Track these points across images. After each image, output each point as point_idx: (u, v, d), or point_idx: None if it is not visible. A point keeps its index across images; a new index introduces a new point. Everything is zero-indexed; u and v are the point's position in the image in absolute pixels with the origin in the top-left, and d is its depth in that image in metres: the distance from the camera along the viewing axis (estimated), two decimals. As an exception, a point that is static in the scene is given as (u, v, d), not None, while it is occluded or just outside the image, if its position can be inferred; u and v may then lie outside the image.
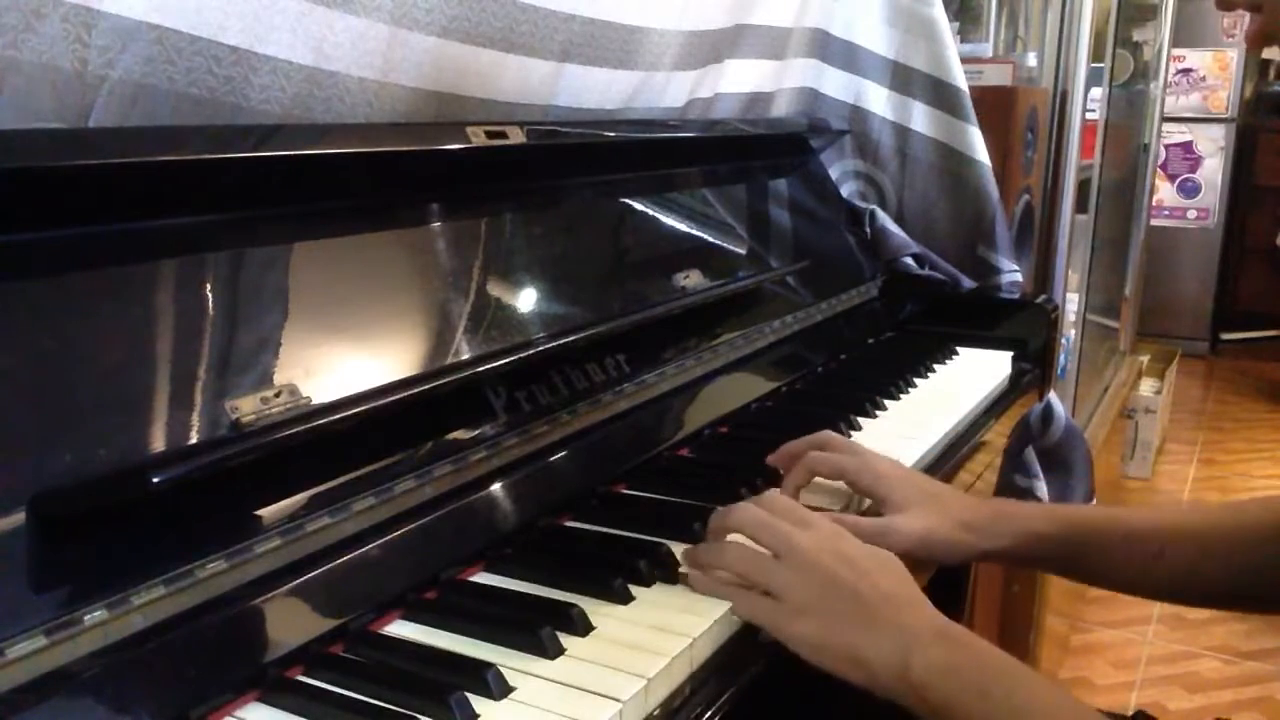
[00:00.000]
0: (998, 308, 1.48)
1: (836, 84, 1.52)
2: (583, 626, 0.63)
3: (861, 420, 1.05)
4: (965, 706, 0.59)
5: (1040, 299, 1.51)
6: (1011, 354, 1.34)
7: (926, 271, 1.46)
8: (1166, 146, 4.52)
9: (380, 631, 0.64)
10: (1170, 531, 0.80)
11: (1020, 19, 2.16)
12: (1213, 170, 4.66)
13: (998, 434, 1.23)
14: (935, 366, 1.27)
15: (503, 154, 0.86)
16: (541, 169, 0.97)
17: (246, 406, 0.62)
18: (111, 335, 0.59)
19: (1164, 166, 4.60)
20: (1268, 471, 3.39)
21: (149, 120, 0.69)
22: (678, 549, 0.73)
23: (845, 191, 1.53)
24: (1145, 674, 2.23)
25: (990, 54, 2.03)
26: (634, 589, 0.68)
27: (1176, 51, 4.13)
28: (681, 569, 0.71)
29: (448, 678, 0.57)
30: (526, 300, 0.89)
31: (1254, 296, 4.81)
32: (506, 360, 0.79)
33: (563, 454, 0.83)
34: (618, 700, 0.56)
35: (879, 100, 1.51)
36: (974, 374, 1.26)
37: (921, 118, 1.50)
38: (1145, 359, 3.30)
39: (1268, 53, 4.57)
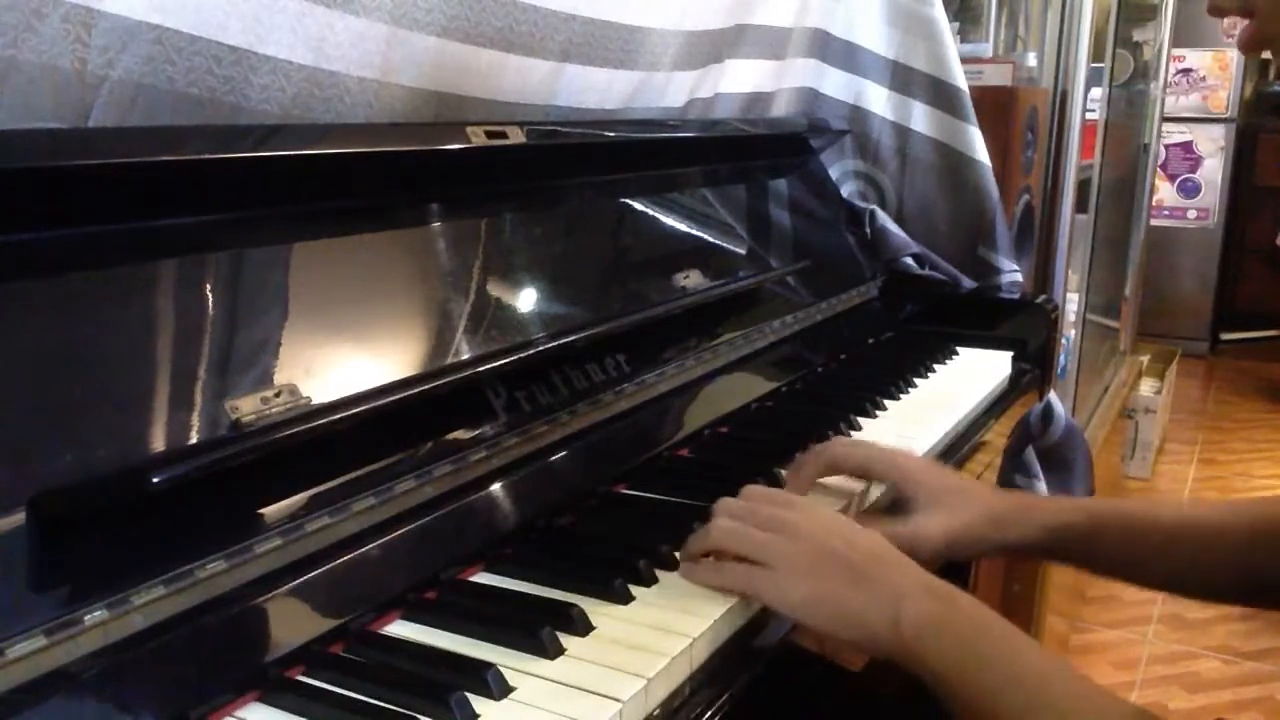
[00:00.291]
0: (998, 308, 1.48)
1: (836, 84, 1.52)
2: (583, 626, 0.63)
3: (861, 420, 1.05)
4: (957, 659, 0.61)
5: (1040, 299, 1.51)
6: (1011, 354, 1.34)
7: (926, 271, 1.46)
8: (1166, 146, 4.52)
9: (380, 631, 0.64)
10: (1197, 527, 0.80)
11: (1020, 19, 2.16)
12: (1213, 170, 4.66)
13: (998, 434, 1.23)
14: (935, 366, 1.27)
15: (503, 154, 0.86)
16: (541, 169, 0.97)
17: (246, 406, 0.62)
18: (111, 335, 0.59)
19: (1164, 166, 4.60)
20: (1268, 471, 3.39)
21: (149, 120, 0.69)
22: (678, 549, 0.73)
23: (845, 191, 1.53)
24: (1145, 674, 2.23)
25: (990, 54, 2.03)
26: (634, 589, 0.68)
27: (1176, 51, 4.13)
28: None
29: (448, 678, 0.57)
30: (526, 300, 0.89)
31: (1254, 296, 4.81)
32: (506, 360, 0.79)
33: (563, 454, 0.83)
34: (618, 700, 0.56)
35: (879, 100, 1.51)
36: (974, 374, 1.26)
37: (921, 118, 1.50)
38: (1145, 359, 3.30)
39: (1268, 53, 4.56)
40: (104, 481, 0.55)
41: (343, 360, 0.71)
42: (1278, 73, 4.82)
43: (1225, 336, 4.87)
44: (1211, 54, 4.52)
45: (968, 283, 1.48)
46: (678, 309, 1.00)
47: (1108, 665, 2.27)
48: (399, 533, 0.68)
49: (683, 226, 1.15)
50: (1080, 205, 2.11)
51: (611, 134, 1.06)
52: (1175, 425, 3.69)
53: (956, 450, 1.07)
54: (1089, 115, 2.01)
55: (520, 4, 0.95)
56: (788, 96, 1.48)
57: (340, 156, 0.74)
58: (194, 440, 0.60)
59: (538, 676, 0.58)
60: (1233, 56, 4.51)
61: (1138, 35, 2.90)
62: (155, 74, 0.68)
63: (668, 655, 0.60)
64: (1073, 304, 2.19)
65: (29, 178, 0.56)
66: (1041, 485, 1.50)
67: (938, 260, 1.47)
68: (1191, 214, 4.71)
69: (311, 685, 0.58)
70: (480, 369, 0.77)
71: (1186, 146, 4.67)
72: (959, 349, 1.35)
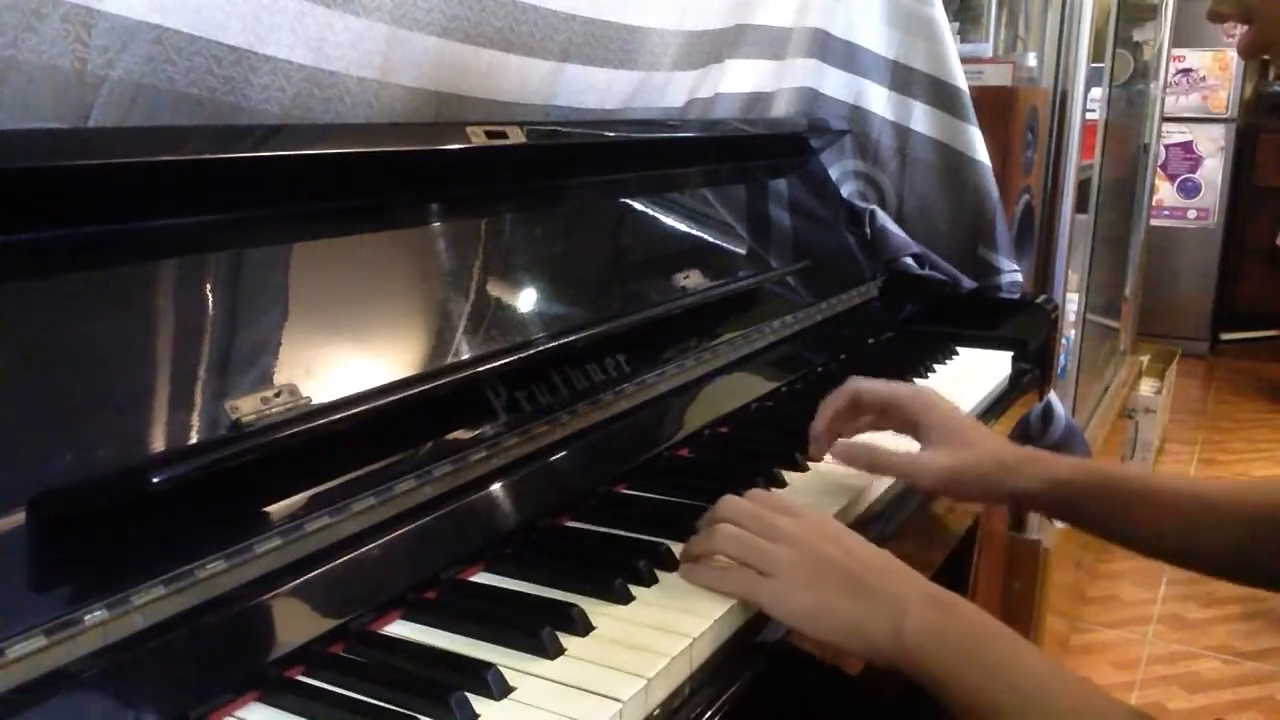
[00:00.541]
0: (998, 308, 1.48)
1: (836, 84, 1.52)
2: (583, 626, 0.63)
3: (861, 420, 1.05)
4: (959, 666, 0.61)
5: (1040, 299, 1.51)
6: (1011, 354, 1.34)
7: (926, 271, 1.46)
8: (1166, 146, 4.52)
9: (380, 631, 0.64)
10: (1197, 497, 0.81)
11: (1020, 19, 2.16)
12: (1213, 170, 4.66)
13: (998, 434, 1.23)
14: (935, 366, 1.27)
15: (503, 154, 0.86)
16: (541, 169, 0.97)
17: (246, 406, 0.62)
18: (111, 335, 0.59)
19: (1164, 166, 4.60)
20: (1268, 471, 3.39)
21: (149, 120, 0.69)
22: (678, 549, 0.73)
23: (845, 191, 1.53)
24: (1145, 674, 2.23)
25: (990, 54, 2.03)
26: (634, 589, 0.68)
27: (1176, 51, 4.13)
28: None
29: (448, 678, 0.57)
30: (526, 300, 0.89)
31: (1254, 296, 4.81)
32: (506, 360, 0.79)
33: (563, 454, 0.83)
34: (618, 700, 0.56)
35: (879, 100, 1.51)
36: (974, 374, 1.26)
37: (921, 118, 1.50)
38: (1145, 359, 3.30)
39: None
40: (104, 481, 0.55)
41: (343, 360, 0.71)
42: (1278, 73, 4.82)
43: (1225, 336, 4.87)
44: (1211, 54, 4.52)
45: (968, 283, 1.48)
46: (678, 309, 1.00)
47: (1108, 665, 2.27)
48: (399, 533, 0.68)
49: (683, 226, 1.15)
50: (1080, 205, 2.11)
51: (611, 134, 1.06)
52: (1175, 425, 3.69)
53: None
54: (1089, 115, 2.01)
55: (520, 4, 0.95)
56: (788, 96, 1.48)
57: (340, 156, 0.74)
58: (194, 440, 0.60)
59: (538, 676, 0.58)
60: (1233, 56, 4.51)
61: (1138, 35, 2.90)
62: (155, 74, 0.68)
63: (668, 655, 0.60)
64: (1073, 304, 2.19)
65: (29, 178, 0.56)
66: (1041, 485, 1.50)
67: (938, 260, 1.47)
68: (1191, 214, 4.71)
69: (311, 685, 0.58)
70: (480, 369, 0.77)
71: (1186, 146, 4.66)
72: (959, 349, 1.35)
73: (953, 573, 1.33)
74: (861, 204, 1.50)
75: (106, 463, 0.55)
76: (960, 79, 1.48)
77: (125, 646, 0.53)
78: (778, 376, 1.15)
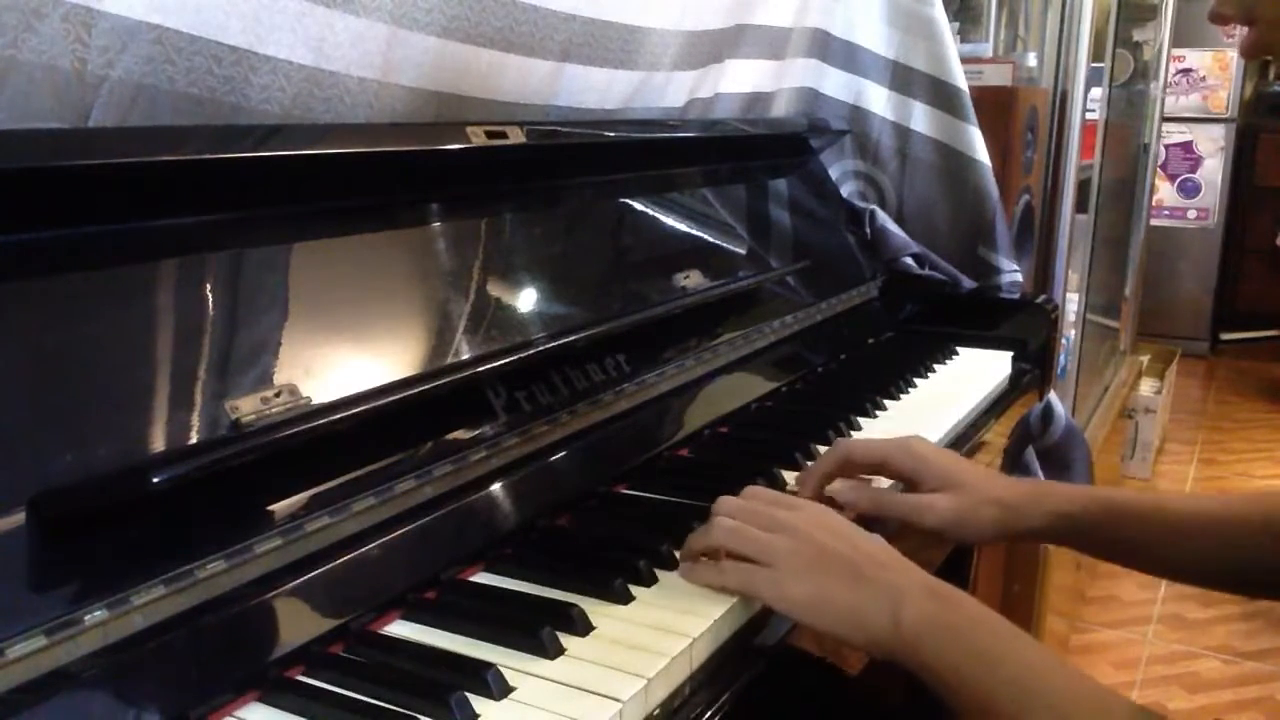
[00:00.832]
0: (998, 308, 1.48)
1: (836, 84, 1.52)
2: (583, 626, 0.63)
3: (861, 420, 1.05)
4: (957, 659, 0.61)
5: (1040, 299, 1.51)
6: (1011, 354, 1.34)
7: (926, 271, 1.46)
8: (1166, 146, 4.52)
9: (380, 631, 0.64)
10: (1211, 518, 0.81)
11: (1020, 19, 2.16)
12: (1213, 170, 4.66)
13: (998, 434, 1.23)
14: (935, 366, 1.27)
15: (503, 154, 0.86)
16: (541, 169, 0.97)
17: (246, 406, 0.62)
18: (111, 335, 0.59)
19: (1164, 166, 4.60)
20: (1268, 471, 3.39)
21: (149, 120, 0.69)
22: (678, 549, 0.73)
23: (845, 191, 1.53)
24: (1145, 674, 2.23)
25: (990, 54, 2.03)
26: (634, 589, 0.68)
27: (1176, 51, 4.13)
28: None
29: (448, 678, 0.57)
30: (526, 300, 0.89)
31: (1254, 296, 4.81)
32: (506, 360, 0.79)
33: (563, 454, 0.83)
34: (618, 700, 0.56)
35: (879, 100, 1.51)
36: (974, 374, 1.26)
37: (921, 118, 1.50)
38: (1145, 359, 3.30)
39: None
40: (104, 481, 0.55)
41: (343, 360, 0.71)
42: (1278, 73, 4.82)
43: (1225, 336, 4.87)
44: (1211, 54, 4.52)
45: (968, 283, 1.48)
46: (678, 309, 1.00)
47: (1108, 665, 2.27)
48: (399, 533, 0.68)
49: (683, 226, 1.15)
50: (1080, 205, 2.11)
51: (611, 134, 1.06)
52: (1175, 425, 3.69)
53: (956, 450, 1.07)
54: (1089, 115, 2.01)
55: (520, 4, 0.95)
56: (788, 96, 1.48)
57: (340, 156, 0.74)
58: (194, 440, 0.60)
59: (538, 676, 0.58)
60: (1233, 56, 4.51)
61: (1138, 35, 2.90)
62: (155, 74, 0.68)
63: (668, 655, 0.60)
64: (1073, 304, 2.19)
65: (29, 178, 0.56)
66: (1041, 485, 1.50)
67: (938, 260, 1.47)
68: (1191, 214, 4.70)
69: (311, 685, 0.58)
70: (480, 369, 0.77)
71: (1186, 146, 4.66)
72: (959, 349, 1.35)
73: (953, 573, 1.33)
74: (861, 204, 1.50)
75: (106, 463, 0.55)
76: (960, 79, 1.48)
77: (125, 646, 0.53)
78: (778, 376, 1.15)
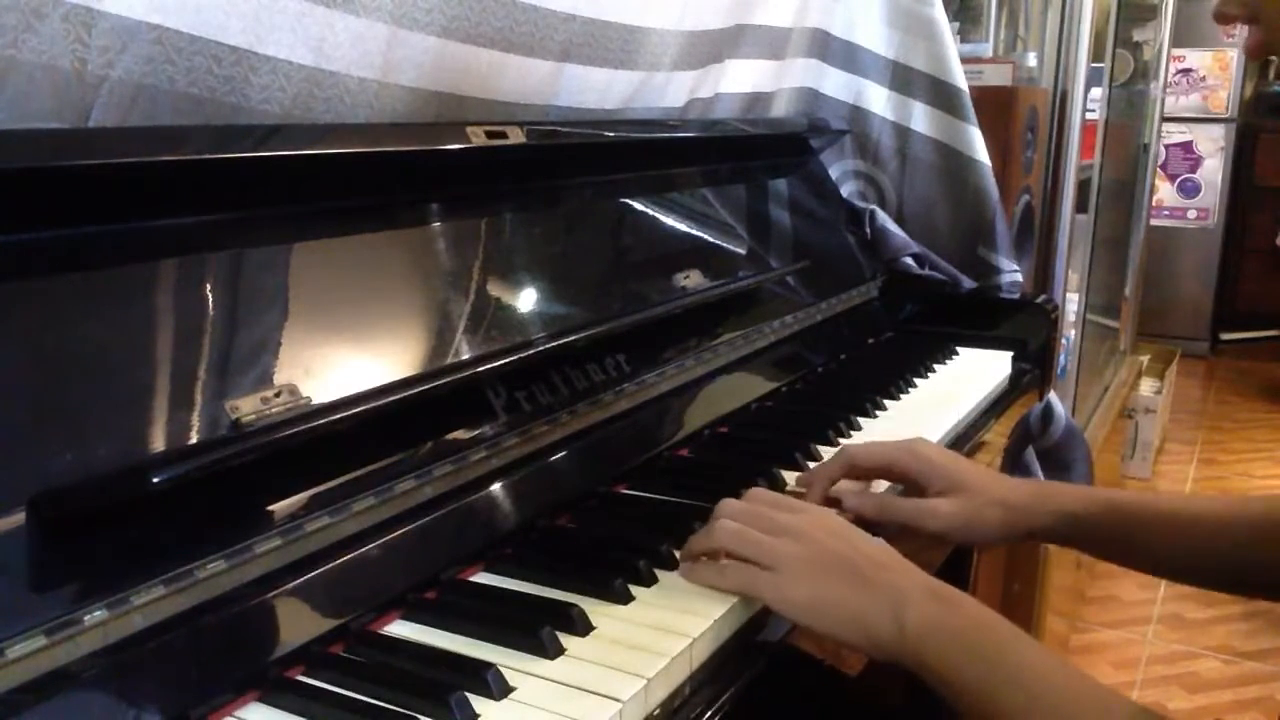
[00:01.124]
0: (998, 308, 1.48)
1: (836, 84, 1.52)
2: (583, 626, 0.63)
3: (861, 420, 1.05)
4: (960, 661, 0.61)
5: (1040, 299, 1.51)
6: (1011, 354, 1.34)
7: (926, 271, 1.46)
8: (1166, 146, 4.52)
9: (380, 631, 0.64)
10: (1211, 519, 0.81)
11: (1020, 19, 2.16)
12: (1213, 170, 4.66)
13: (998, 434, 1.23)
14: (935, 366, 1.27)
15: (503, 154, 0.86)
16: (541, 169, 0.97)
17: (246, 406, 0.62)
18: (111, 335, 0.59)
19: (1164, 166, 4.60)
20: (1268, 471, 3.39)
21: (149, 120, 0.69)
22: (678, 549, 0.73)
23: (845, 191, 1.53)
24: (1145, 674, 2.23)
25: (990, 54, 2.03)
26: (634, 589, 0.68)
27: (1176, 51, 4.13)
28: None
29: (448, 678, 0.57)
30: (526, 300, 0.89)
31: (1254, 296, 4.81)
32: (506, 360, 0.79)
33: (563, 454, 0.83)
34: (618, 700, 0.56)
35: (879, 100, 1.51)
36: (974, 374, 1.26)
37: (921, 118, 1.50)
38: (1145, 359, 3.30)
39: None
40: (104, 481, 0.55)
41: (343, 360, 0.71)
42: (1278, 73, 4.82)
43: (1225, 336, 4.87)
44: (1211, 54, 4.52)
45: (968, 283, 1.48)
46: (678, 309, 1.00)
47: (1108, 665, 2.27)
48: (399, 533, 0.68)
49: (683, 226, 1.15)
50: (1080, 205, 2.11)
51: (611, 134, 1.06)
52: (1175, 425, 3.69)
53: (956, 450, 1.07)
54: (1089, 115, 2.01)
55: (520, 4, 0.95)
56: (788, 96, 1.48)
57: (340, 156, 0.74)
58: (194, 440, 0.60)
59: (538, 676, 0.58)
60: (1233, 56, 4.51)
61: (1138, 35, 2.90)
62: (155, 74, 0.68)
63: (668, 655, 0.60)
64: (1073, 304, 2.19)
65: (29, 178, 0.56)
66: (1041, 485, 1.50)
67: (938, 260, 1.47)
68: (1191, 214, 4.70)
69: (311, 685, 0.58)
70: (480, 369, 0.77)
71: (1186, 146, 4.66)
72: (959, 349, 1.35)
73: (953, 573, 1.33)
74: (861, 204, 1.50)
75: (106, 463, 0.55)
76: (960, 79, 1.48)
77: (125, 646, 0.53)
78: (778, 376, 1.15)
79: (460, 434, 0.75)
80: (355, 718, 0.55)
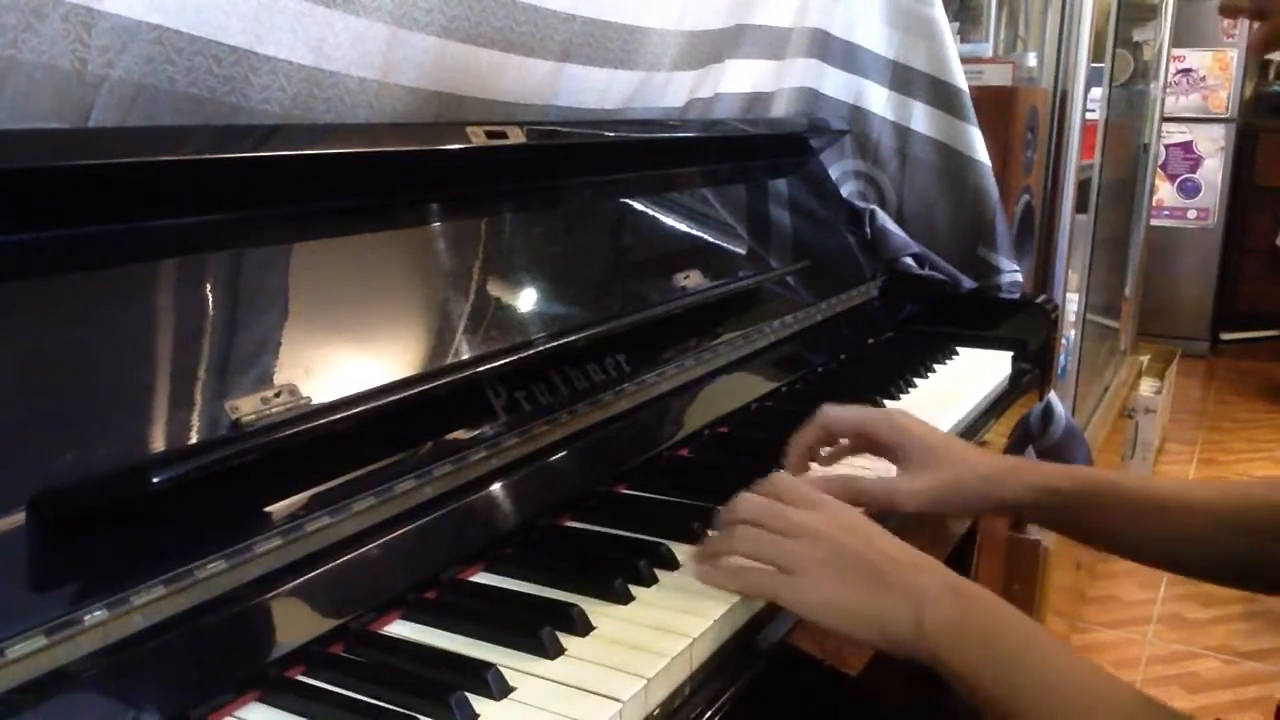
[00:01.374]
0: (998, 308, 1.48)
1: (836, 84, 1.52)
2: (583, 626, 0.63)
3: (861, 420, 1.05)
4: (981, 661, 0.60)
5: (1040, 299, 1.51)
6: (1011, 354, 1.34)
7: (926, 271, 1.46)
8: (1166, 146, 4.52)
9: (380, 631, 0.64)
10: (1184, 501, 0.80)
11: (1020, 19, 2.16)
12: (1213, 170, 4.66)
13: (998, 434, 1.24)
14: (935, 366, 1.27)
15: (503, 154, 0.86)
16: (541, 169, 0.97)
17: (246, 406, 0.62)
18: (111, 335, 0.59)
19: (1164, 166, 4.60)
20: (1268, 471, 3.39)
21: (149, 120, 0.69)
22: (678, 549, 0.73)
23: (845, 191, 1.53)
24: (1145, 674, 2.23)
25: (990, 54, 2.03)
26: (634, 589, 0.68)
27: (1176, 51, 4.13)
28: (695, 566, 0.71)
29: (448, 678, 0.57)
30: (526, 300, 0.89)
31: (1254, 296, 4.80)
32: (506, 360, 0.79)
33: (563, 454, 0.83)
34: (618, 700, 0.56)
35: (879, 100, 1.51)
36: (974, 374, 1.26)
37: (921, 118, 1.50)
38: (1145, 359, 3.30)
39: (1273, 54, 4.57)
40: (104, 481, 0.55)
41: (343, 360, 0.71)
42: (1278, 72, 4.82)
43: (1225, 336, 4.86)
44: (1211, 54, 4.52)
45: (968, 283, 1.48)
46: (678, 309, 1.00)
47: (1108, 665, 2.26)
48: (399, 533, 0.68)
49: (683, 226, 1.15)
50: (1080, 205, 2.11)
51: (611, 134, 1.06)
52: (1175, 425, 3.69)
53: (956, 450, 1.07)
54: (1089, 115, 2.01)
55: (520, 4, 0.95)
56: (788, 96, 1.48)
57: (340, 156, 0.74)
58: (194, 440, 0.60)
59: (538, 676, 0.58)
60: (1233, 56, 4.51)
61: (1138, 35, 2.90)
62: (155, 74, 0.68)
63: (668, 655, 0.60)
64: (1073, 304, 2.19)
65: (29, 178, 0.56)
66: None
67: (938, 260, 1.47)
68: (1191, 214, 4.70)
69: (311, 685, 0.58)
70: (480, 369, 0.77)
71: (1186, 146, 4.66)
72: (959, 349, 1.35)
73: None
74: (861, 204, 1.50)
75: (106, 463, 0.55)
76: (960, 79, 1.48)
77: (125, 646, 0.53)
78: (778, 376, 1.15)
79: (460, 434, 0.75)
80: (355, 718, 0.55)
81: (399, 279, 0.79)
